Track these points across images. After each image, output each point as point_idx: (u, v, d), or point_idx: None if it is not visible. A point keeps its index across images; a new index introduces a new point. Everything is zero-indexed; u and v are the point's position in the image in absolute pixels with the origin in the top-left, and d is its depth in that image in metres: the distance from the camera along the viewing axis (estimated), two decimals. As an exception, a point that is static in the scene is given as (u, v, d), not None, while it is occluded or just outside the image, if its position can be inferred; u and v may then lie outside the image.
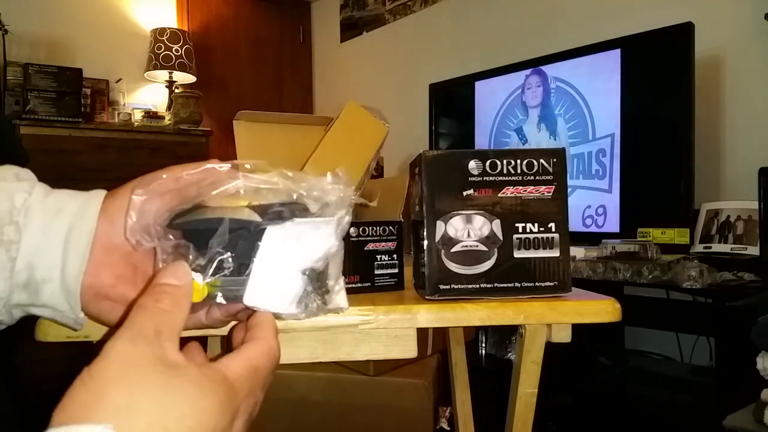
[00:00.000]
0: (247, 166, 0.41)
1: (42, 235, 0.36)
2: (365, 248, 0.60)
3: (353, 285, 0.59)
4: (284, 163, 0.81)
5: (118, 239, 0.38)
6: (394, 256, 0.61)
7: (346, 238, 0.57)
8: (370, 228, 0.61)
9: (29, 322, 0.52)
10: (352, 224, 0.58)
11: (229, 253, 0.38)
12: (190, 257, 0.38)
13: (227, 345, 0.38)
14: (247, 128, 0.94)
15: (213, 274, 0.38)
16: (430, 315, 0.53)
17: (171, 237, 0.38)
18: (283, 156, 0.81)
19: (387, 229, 0.61)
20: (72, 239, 0.36)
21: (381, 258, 0.61)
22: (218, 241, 0.38)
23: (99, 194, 0.39)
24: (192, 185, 0.39)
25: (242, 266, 0.39)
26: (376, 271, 0.61)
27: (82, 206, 0.37)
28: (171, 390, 0.26)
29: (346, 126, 0.84)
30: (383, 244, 0.61)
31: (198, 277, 0.37)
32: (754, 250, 1.50)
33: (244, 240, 0.39)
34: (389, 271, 0.61)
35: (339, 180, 0.40)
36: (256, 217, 0.39)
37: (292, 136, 0.90)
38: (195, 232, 0.39)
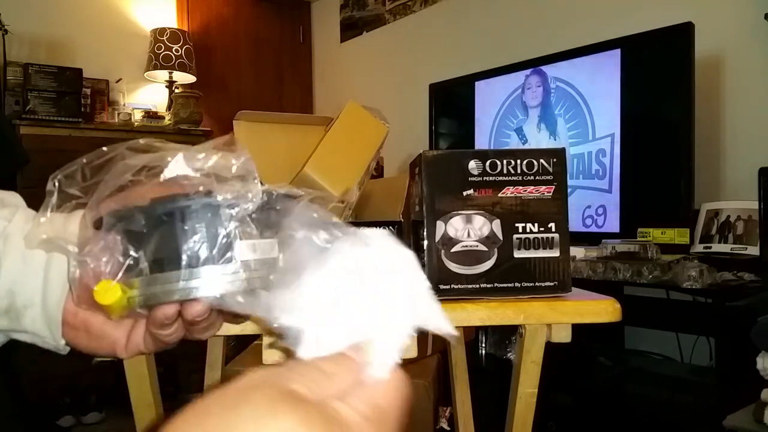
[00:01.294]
0: (141, 141, 0.38)
1: (22, 262, 0.35)
2: (365, 248, 0.60)
3: None
4: (284, 163, 0.81)
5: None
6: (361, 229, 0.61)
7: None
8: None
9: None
10: (351, 225, 0.58)
11: (141, 250, 0.33)
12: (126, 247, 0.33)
13: None
14: (247, 128, 0.94)
15: (126, 274, 0.33)
16: (430, 315, 0.53)
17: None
18: (283, 156, 0.81)
19: (386, 229, 0.62)
20: (52, 266, 0.36)
21: None
22: (131, 233, 0.33)
23: (77, 218, 0.36)
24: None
25: (166, 260, 0.32)
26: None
27: (62, 233, 0.35)
28: (264, 414, 0.22)
29: (346, 126, 0.84)
30: None
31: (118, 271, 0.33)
32: (754, 250, 1.50)
33: (165, 226, 0.33)
34: None
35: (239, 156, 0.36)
36: (181, 201, 0.33)
37: (292, 136, 0.90)
38: (122, 218, 0.34)
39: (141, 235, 0.33)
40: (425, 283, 0.32)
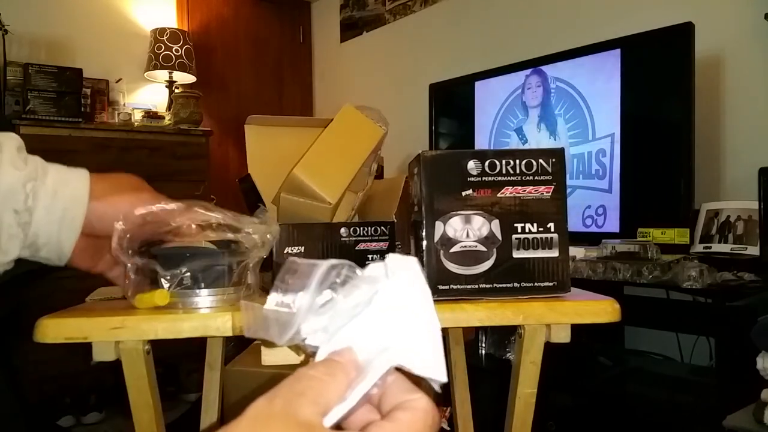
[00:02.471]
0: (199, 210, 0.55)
1: (45, 214, 0.50)
2: (356, 248, 0.61)
3: None
4: (293, 166, 0.81)
5: (92, 226, 0.53)
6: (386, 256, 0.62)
7: (338, 237, 0.60)
8: (362, 228, 0.61)
9: (29, 322, 0.52)
10: (342, 225, 0.60)
11: (188, 272, 0.55)
12: (159, 271, 0.54)
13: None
14: (257, 132, 0.94)
15: (176, 287, 0.55)
16: (429, 315, 0.53)
17: (139, 259, 0.55)
18: (292, 159, 0.81)
19: (379, 229, 0.62)
20: (66, 219, 0.51)
21: (372, 258, 0.61)
22: (187, 264, 0.55)
23: (84, 178, 0.53)
24: (151, 224, 0.53)
25: (198, 283, 0.56)
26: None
27: (74, 192, 0.52)
28: None
29: (339, 128, 0.84)
30: (374, 244, 0.61)
31: (165, 285, 0.54)
32: (754, 250, 1.50)
33: (204, 262, 0.56)
34: None
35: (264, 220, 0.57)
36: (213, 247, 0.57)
37: (302, 139, 0.90)
38: (165, 257, 0.55)
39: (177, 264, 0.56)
40: (434, 324, 0.33)
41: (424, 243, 0.54)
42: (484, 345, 1.92)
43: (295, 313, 0.31)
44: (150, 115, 2.90)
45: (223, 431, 0.25)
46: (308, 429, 0.25)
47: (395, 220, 0.73)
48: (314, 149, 0.81)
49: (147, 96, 3.16)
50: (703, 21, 1.68)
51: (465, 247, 0.54)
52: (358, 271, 0.33)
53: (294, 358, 0.54)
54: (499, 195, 0.54)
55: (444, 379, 0.31)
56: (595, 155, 1.86)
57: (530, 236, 0.54)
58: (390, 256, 0.34)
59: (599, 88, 1.85)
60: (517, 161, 0.55)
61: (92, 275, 0.60)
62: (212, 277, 0.56)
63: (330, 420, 0.27)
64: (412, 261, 0.34)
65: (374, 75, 3.30)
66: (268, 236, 0.56)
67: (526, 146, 2.09)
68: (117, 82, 3.00)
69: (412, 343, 0.31)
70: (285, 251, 0.62)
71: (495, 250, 0.54)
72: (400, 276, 0.34)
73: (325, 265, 0.32)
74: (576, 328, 0.56)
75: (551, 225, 0.55)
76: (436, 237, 0.54)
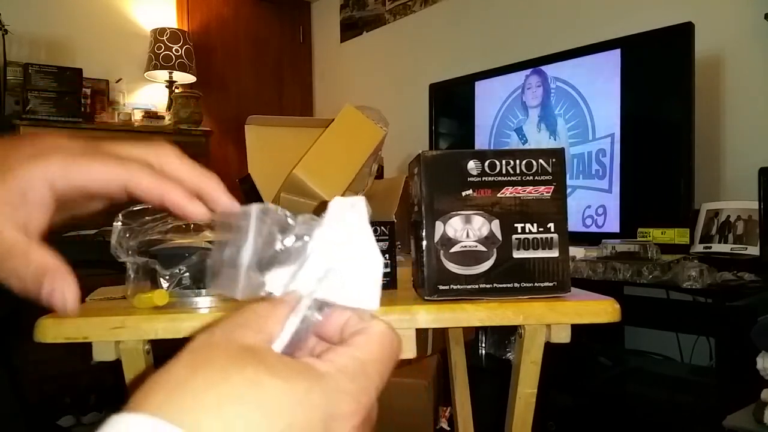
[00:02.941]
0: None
1: None
2: (357, 248, 0.61)
3: None
4: (293, 166, 0.81)
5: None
6: (386, 255, 0.62)
7: None
8: None
9: (29, 322, 0.52)
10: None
11: (188, 272, 0.56)
12: (159, 270, 0.55)
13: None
14: (257, 132, 0.95)
15: (175, 286, 0.56)
16: (430, 315, 0.53)
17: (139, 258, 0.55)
18: (293, 159, 0.81)
19: (379, 229, 0.62)
20: None
21: None
22: (186, 264, 0.56)
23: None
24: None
25: (198, 282, 0.57)
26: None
27: None
28: (234, 373, 0.23)
29: (340, 129, 0.84)
30: None
31: (164, 285, 0.55)
32: (754, 250, 1.50)
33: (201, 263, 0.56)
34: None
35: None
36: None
37: (302, 139, 0.90)
38: (164, 256, 0.56)
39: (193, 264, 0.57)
40: (371, 256, 0.36)
41: (424, 243, 0.54)
42: (484, 345, 1.92)
43: (239, 267, 0.32)
44: (150, 115, 2.90)
45: (164, 370, 0.23)
46: (253, 354, 0.24)
47: (395, 220, 0.73)
48: (315, 149, 0.81)
49: (147, 96, 3.16)
50: (703, 21, 1.68)
51: (465, 247, 0.54)
52: (289, 214, 0.35)
53: (294, 358, 0.54)
54: (499, 195, 0.54)
55: (374, 306, 0.32)
56: (595, 155, 1.86)
57: (530, 236, 0.54)
58: (335, 199, 0.37)
59: (599, 88, 1.85)
60: (517, 161, 0.55)
61: (92, 275, 0.60)
62: None
63: (276, 348, 0.27)
64: (356, 200, 0.36)
65: (374, 75, 3.30)
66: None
67: (526, 146, 2.09)
68: (117, 82, 3.00)
69: (343, 277, 0.33)
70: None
71: (495, 250, 0.54)
72: (338, 216, 0.36)
73: (255, 211, 0.34)
74: (576, 328, 0.56)
75: (551, 225, 0.55)
76: (436, 237, 0.54)
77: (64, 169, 0.35)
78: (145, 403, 0.22)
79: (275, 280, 0.33)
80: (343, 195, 0.81)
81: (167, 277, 0.55)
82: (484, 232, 0.54)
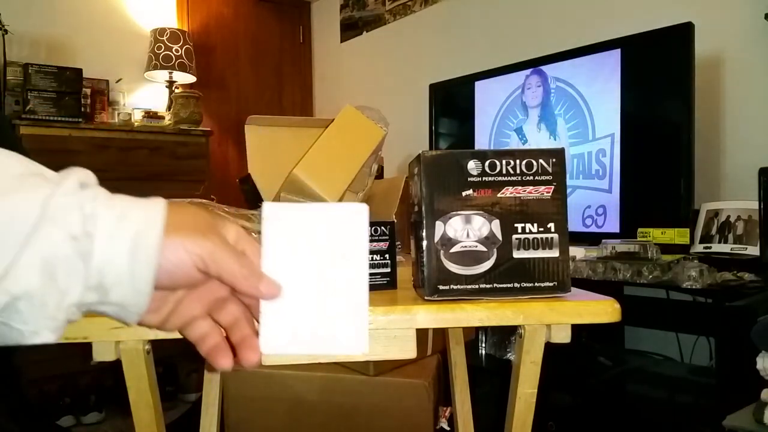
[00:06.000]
0: None
1: (109, 241, 0.36)
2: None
3: None
4: (293, 166, 0.81)
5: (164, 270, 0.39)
6: (387, 255, 0.62)
7: None
8: None
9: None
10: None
11: None
12: None
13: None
14: (257, 132, 0.95)
15: None
16: (430, 315, 0.53)
17: None
18: (293, 159, 0.81)
19: (379, 229, 0.62)
20: (139, 249, 0.37)
21: (373, 258, 0.61)
22: None
23: (160, 202, 0.40)
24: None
25: None
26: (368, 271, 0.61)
27: (146, 214, 0.38)
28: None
29: (340, 129, 0.84)
30: (375, 244, 0.61)
31: None
32: (754, 250, 1.50)
33: None
34: (381, 270, 0.62)
35: None
36: None
37: (302, 139, 0.90)
38: None
39: None
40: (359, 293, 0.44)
41: (424, 243, 0.54)
42: (484, 345, 1.92)
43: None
44: (150, 115, 2.90)
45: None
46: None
47: (395, 220, 0.73)
48: (315, 149, 0.81)
49: (147, 96, 3.16)
50: (703, 21, 1.68)
51: (465, 247, 0.54)
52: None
53: (296, 358, 0.54)
54: (499, 195, 0.54)
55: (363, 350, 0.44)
56: (595, 155, 1.86)
57: (530, 236, 0.54)
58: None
59: (599, 88, 1.85)
60: (518, 161, 0.55)
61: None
62: None
63: None
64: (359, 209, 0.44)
65: (374, 75, 3.30)
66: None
67: (526, 146, 2.09)
68: (117, 82, 3.00)
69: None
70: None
71: (495, 250, 0.54)
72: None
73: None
74: (576, 328, 0.56)
75: (551, 225, 0.55)
76: (437, 237, 0.54)
77: (214, 254, 0.40)
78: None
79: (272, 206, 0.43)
80: (342, 195, 0.81)
81: None
82: (484, 232, 0.54)
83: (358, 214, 0.43)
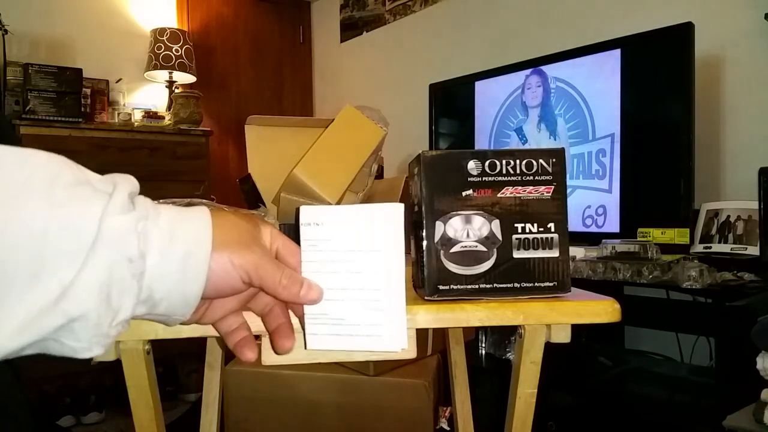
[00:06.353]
0: None
1: (161, 259, 0.38)
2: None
3: None
4: (293, 166, 0.81)
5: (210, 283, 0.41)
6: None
7: None
8: None
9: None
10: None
11: None
12: None
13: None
14: (258, 132, 0.95)
15: None
16: (429, 315, 0.53)
17: None
18: (293, 159, 0.81)
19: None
20: (189, 266, 0.39)
21: None
22: None
23: (205, 217, 0.41)
24: None
25: None
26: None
27: (195, 231, 0.40)
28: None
29: (340, 129, 0.84)
30: None
31: None
32: (754, 250, 1.50)
33: None
34: None
35: None
36: None
37: (302, 139, 0.90)
38: None
39: None
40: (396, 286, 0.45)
41: (424, 243, 0.54)
42: (484, 345, 1.92)
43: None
44: (150, 115, 2.90)
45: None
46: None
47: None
48: (315, 149, 0.81)
49: (147, 96, 3.16)
50: (703, 21, 1.68)
51: (465, 247, 0.54)
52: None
53: (297, 358, 0.54)
54: (499, 195, 0.54)
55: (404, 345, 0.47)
56: (595, 155, 1.86)
57: (530, 236, 0.54)
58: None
59: (599, 88, 1.85)
60: (518, 161, 0.55)
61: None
62: None
63: None
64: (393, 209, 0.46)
65: (374, 75, 3.30)
66: None
67: (526, 146, 2.09)
68: (117, 82, 3.00)
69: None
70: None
71: (495, 250, 0.54)
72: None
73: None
74: (576, 328, 0.56)
75: (551, 225, 0.55)
76: (436, 237, 0.54)
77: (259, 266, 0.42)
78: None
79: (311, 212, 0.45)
80: (342, 195, 0.81)
81: None
82: (484, 232, 0.54)
83: (395, 213, 0.45)
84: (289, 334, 0.46)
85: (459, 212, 0.54)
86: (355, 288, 0.45)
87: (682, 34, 1.62)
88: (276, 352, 0.47)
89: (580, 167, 1.90)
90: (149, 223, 0.38)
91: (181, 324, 0.44)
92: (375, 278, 0.45)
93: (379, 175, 1.20)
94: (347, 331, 0.45)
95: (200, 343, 0.99)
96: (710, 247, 1.60)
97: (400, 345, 0.45)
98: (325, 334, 0.46)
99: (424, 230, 0.54)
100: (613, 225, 1.80)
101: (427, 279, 0.54)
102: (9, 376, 1.13)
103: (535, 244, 0.54)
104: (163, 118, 2.94)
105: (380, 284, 0.45)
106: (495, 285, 0.54)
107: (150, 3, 3.17)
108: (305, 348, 0.47)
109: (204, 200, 0.73)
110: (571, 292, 0.56)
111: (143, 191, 0.41)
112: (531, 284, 0.54)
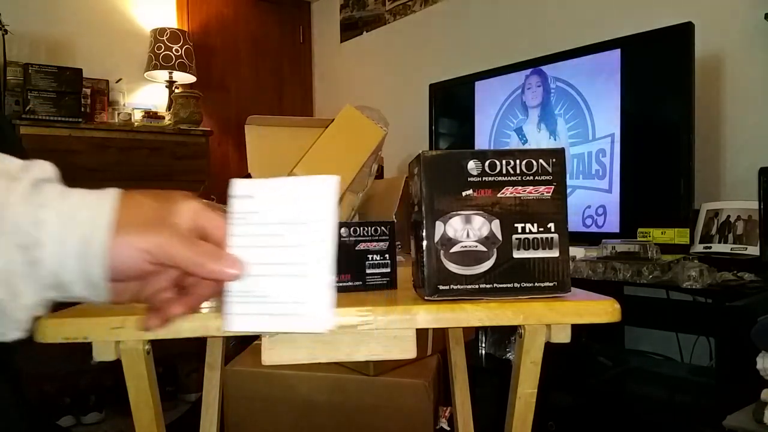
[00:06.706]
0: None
1: (58, 245, 0.39)
2: (356, 248, 0.61)
3: (344, 283, 0.60)
4: (293, 166, 0.81)
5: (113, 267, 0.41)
6: (386, 255, 0.62)
7: (338, 237, 0.62)
8: (362, 228, 0.62)
9: (28, 322, 0.52)
10: (342, 225, 0.60)
11: None
12: None
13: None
14: (257, 132, 0.95)
15: None
16: (429, 315, 0.53)
17: None
18: (293, 159, 0.81)
19: (379, 229, 0.62)
20: (89, 250, 0.39)
21: (372, 258, 0.61)
22: None
23: (109, 201, 0.41)
24: None
25: None
26: (368, 271, 0.62)
27: (93, 214, 0.40)
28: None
29: (340, 129, 0.85)
30: (374, 243, 0.62)
31: None
32: (754, 250, 1.50)
33: None
34: (381, 270, 0.62)
35: None
36: None
37: (301, 139, 0.90)
38: None
39: None
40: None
41: (425, 243, 0.54)
42: (484, 345, 1.92)
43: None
44: (150, 115, 2.90)
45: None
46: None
47: (395, 220, 0.73)
48: (314, 149, 0.81)
49: (147, 96, 3.16)
50: (703, 21, 1.68)
51: (465, 247, 0.54)
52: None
53: (297, 358, 0.54)
54: (499, 195, 0.54)
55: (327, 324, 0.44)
56: (595, 155, 1.86)
57: (530, 236, 0.54)
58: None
59: (599, 88, 1.85)
60: (518, 161, 0.55)
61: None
62: None
63: None
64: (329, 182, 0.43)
65: (374, 75, 3.30)
66: None
67: (526, 146, 2.09)
68: (117, 82, 3.00)
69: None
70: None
71: (495, 250, 0.54)
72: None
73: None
74: (576, 328, 0.56)
75: (551, 225, 0.55)
76: (437, 237, 0.54)
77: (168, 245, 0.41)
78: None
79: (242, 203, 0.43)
80: (342, 195, 0.81)
81: None
82: (484, 232, 0.54)
83: (326, 185, 0.42)
84: (180, 304, 0.44)
85: (459, 212, 0.54)
86: (281, 263, 0.42)
87: (682, 34, 1.62)
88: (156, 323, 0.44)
89: (580, 167, 1.90)
90: (47, 210, 0.38)
91: (118, 303, 0.44)
92: (302, 251, 0.42)
93: (379, 175, 1.20)
94: (269, 309, 0.42)
95: (200, 343, 0.99)
96: (710, 247, 1.60)
97: (324, 325, 0.42)
98: (244, 313, 0.43)
99: (424, 230, 0.54)
100: (613, 225, 1.80)
101: (427, 279, 0.54)
102: None
103: (535, 244, 0.54)
104: (163, 118, 2.94)
105: (307, 258, 0.42)
106: (495, 285, 0.54)
107: (150, 3, 3.17)
108: (220, 330, 0.45)
109: (209, 202, 0.73)
110: (571, 292, 0.56)
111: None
112: (531, 284, 0.54)
